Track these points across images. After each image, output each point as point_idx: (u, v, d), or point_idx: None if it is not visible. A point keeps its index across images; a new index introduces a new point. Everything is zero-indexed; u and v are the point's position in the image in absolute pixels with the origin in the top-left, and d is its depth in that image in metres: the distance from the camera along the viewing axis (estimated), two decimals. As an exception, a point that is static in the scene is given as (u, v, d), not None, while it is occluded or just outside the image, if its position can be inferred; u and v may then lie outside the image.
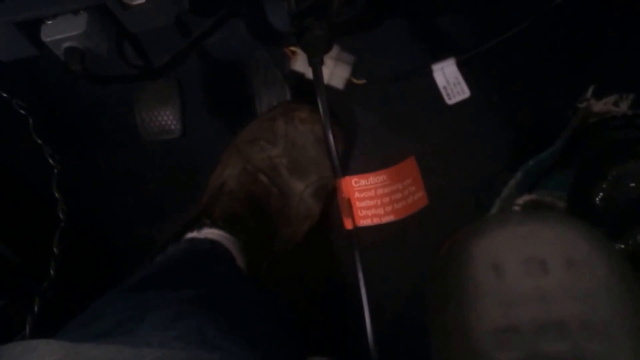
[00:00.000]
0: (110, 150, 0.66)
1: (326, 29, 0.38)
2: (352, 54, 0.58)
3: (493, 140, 0.59)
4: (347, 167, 0.61)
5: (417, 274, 0.39)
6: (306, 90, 0.58)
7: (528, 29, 0.52)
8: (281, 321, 0.49)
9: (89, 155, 0.66)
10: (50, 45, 0.37)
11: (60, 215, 0.57)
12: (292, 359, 0.48)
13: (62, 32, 0.36)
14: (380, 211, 0.38)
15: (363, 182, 0.39)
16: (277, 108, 0.58)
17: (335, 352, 0.56)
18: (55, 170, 0.58)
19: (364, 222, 0.38)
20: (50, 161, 0.58)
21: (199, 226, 0.51)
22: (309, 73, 0.57)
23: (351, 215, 0.38)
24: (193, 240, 0.51)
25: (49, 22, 0.37)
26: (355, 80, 0.58)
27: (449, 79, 0.57)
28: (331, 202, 0.59)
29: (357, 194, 0.38)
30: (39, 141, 0.59)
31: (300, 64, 0.57)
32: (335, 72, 0.57)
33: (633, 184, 0.45)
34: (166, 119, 0.63)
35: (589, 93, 0.52)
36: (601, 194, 0.45)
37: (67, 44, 0.37)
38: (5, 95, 0.59)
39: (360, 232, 0.38)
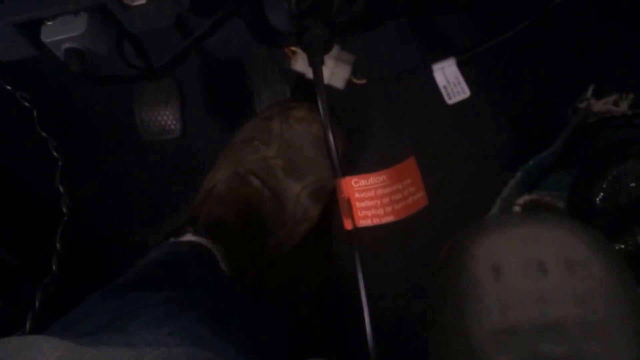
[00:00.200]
0: (110, 150, 0.66)
1: (326, 29, 0.38)
2: (352, 53, 0.58)
3: (493, 140, 0.60)
4: (348, 167, 0.61)
5: (417, 275, 0.39)
6: (306, 90, 0.58)
7: (528, 28, 0.52)
8: (269, 325, 0.49)
9: (88, 156, 0.66)
10: (50, 46, 0.37)
11: (64, 209, 0.56)
12: None
13: (62, 33, 0.36)
14: (380, 211, 0.38)
15: (363, 182, 0.39)
16: (274, 107, 0.57)
17: (334, 353, 0.56)
18: (60, 163, 0.57)
19: (363, 223, 0.38)
20: (55, 154, 0.57)
21: (182, 232, 0.50)
22: (309, 73, 0.57)
23: (351, 215, 0.38)
24: (175, 243, 0.50)
25: (49, 22, 0.37)
26: (355, 80, 0.58)
27: (449, 79, 0.57)
28: (331, 203, 0.59)
29: (357, 194, 0.38)
30: (43, 134, 0.58)
31: (300, 64, 0.57)
32: (335, 71, 0.57)
33: (633, 184, 0.45)
34: (166, 119, 0.64)
35: (589, 93, 0.52)
36: (601, 194, 0.45)
37: (67, 45, 0.37)
38: (9, 87, 0.58)
39: (360, 232, 0.38)
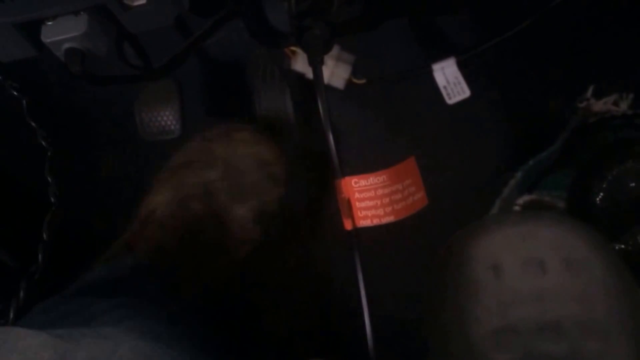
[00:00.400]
0: (109, 151, 0.66)
1: (326, 29, 0.38)
2: (352, 53, 0.58)
3: (493, 140, 0.59)
4: (348, 167, 0.61)
5: (417, 275, 0.39)
6: (306, 90, 0.58)
7: (528, 28, 0.52)
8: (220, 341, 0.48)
9: (88, 156, 0.66)
10: (51, 46, 0.37)
11: (52, 199, 0.55)
12: None
13: (63, 33, 0.36)
14: (380, 212, 0.38)
15: (363, 182, 0.39)
16: (214, 129, 0.55)
17: (334, 353, 0.56)
18: (49, 153, 0.56)
19: (363, 223, 0.38)
20: (43, 143, 0.56)
21: (122, 258, 0.49)
22: (309, 73, 0.57)
23: (351, 215, 0.38)
24: (115, 266, 0.49)
25: (49, 23, 0.37)
26: (355, 80, 0.58)
27: (449, 79, 0.57)
28: (331, 203, 0.59)
29: (357, 195, 0.38)
30: (33, 124, 0.57)
31: (300, 64, 0.57)
32: (335, 72, 0.57)
33: (633, 184, 0.45)
34: (166, 119, 0.63)
35: (589, 93, 0.52)
36: (601, 194, 0.46)
37: (67, 45, 0.37)
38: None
39: (360, 232, 0.38)
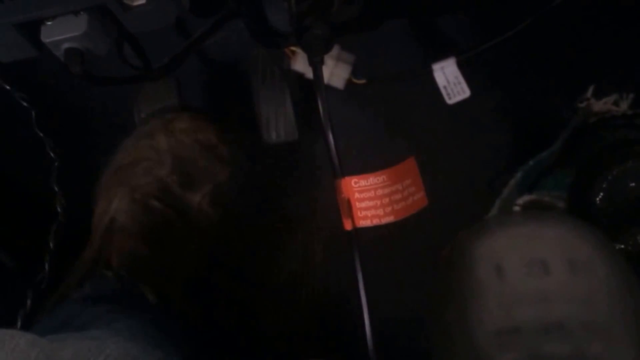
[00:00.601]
0: (109, 151, 0.66)
1: (326, 29, 0.38)
2: (352, 53, 0.58)
3: (493, 140, 0.59)
4: (347, 167, 0.61)
5: (417, 275, 0.39)
6: (306, 90, 0.58)
7: (528, 29, 0.52)
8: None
9: (87, 156, 0.66)
10: (50, 46, 0.37)
11: (58, 209, 0.56)
12: None
13: (62, 33, 0.36)
14: (380, 212, 0.38)
15: (363, 182, 0.39)
16: (152, 122, 0.55)
17: (334, 354, 0.56)
18: (56, 164, 0.57)
19: (363, 223, 0.38)
20: (51, 154, 0.57)
21: (100, 277, 0.49)
22: (309, 73, 0.57)
23: (351, 216, 0.38)
24: (96, 286, 0.49)
25: (49, 22, 0.37)
26: (355, 80, 0.58)
27: (449, 79, 0.57)
28: (330, 202, 0.59)
29: (357, 195, 0.38)
30: (40, 134, 0.58)
31: (300, 64, 0.57)
32: (335, 72, 0.57)
33: (633, 184, 0.45)
34: (166, 119, 0.63)
35: (589, 93, 0.52)
36: (601, 194, 0.46)
37: (67, 45, 0.37)
38: (7, 87, 0.58)
39: (360, 232, 0.38)
